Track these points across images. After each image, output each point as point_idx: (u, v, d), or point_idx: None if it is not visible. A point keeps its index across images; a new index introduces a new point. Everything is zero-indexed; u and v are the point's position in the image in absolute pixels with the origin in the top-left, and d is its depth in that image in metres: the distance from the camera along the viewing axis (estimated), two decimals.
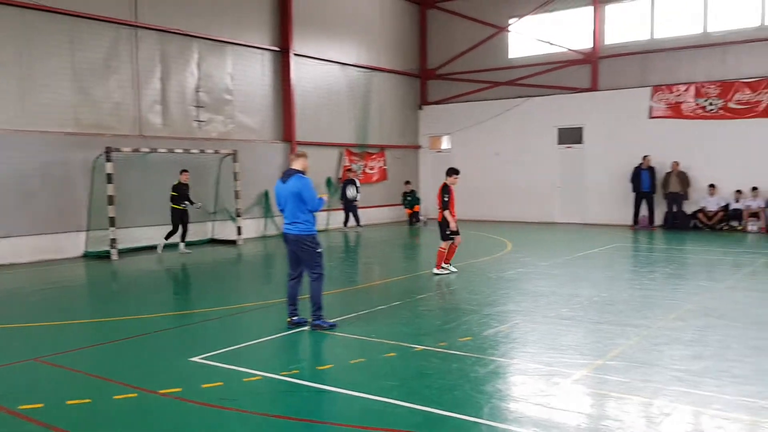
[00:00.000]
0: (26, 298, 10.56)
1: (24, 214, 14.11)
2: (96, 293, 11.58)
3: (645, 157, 19.51)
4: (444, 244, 11.60)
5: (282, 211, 7.97)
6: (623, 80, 20.86)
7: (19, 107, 14.12)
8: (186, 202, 15.29)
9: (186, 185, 15.40)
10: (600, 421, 4.91)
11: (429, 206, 25.02)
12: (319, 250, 7.83)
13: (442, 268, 11.66)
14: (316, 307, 7.85)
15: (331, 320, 7.99)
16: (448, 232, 11.53)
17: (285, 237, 7.96)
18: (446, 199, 11.44)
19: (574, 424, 4.85)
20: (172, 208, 15.27)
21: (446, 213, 11.45)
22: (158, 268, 13.65)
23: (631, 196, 20.00)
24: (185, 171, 15.51)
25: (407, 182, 23.65)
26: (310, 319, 7.94)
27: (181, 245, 15.55)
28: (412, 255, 16.29)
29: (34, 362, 6.76)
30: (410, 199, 23.16)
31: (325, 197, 8.17)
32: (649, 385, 5.64)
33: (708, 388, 5.55)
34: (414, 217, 22.95)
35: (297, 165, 7.88)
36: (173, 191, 15.25)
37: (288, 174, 7.82)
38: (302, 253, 7.82)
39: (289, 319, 8.04)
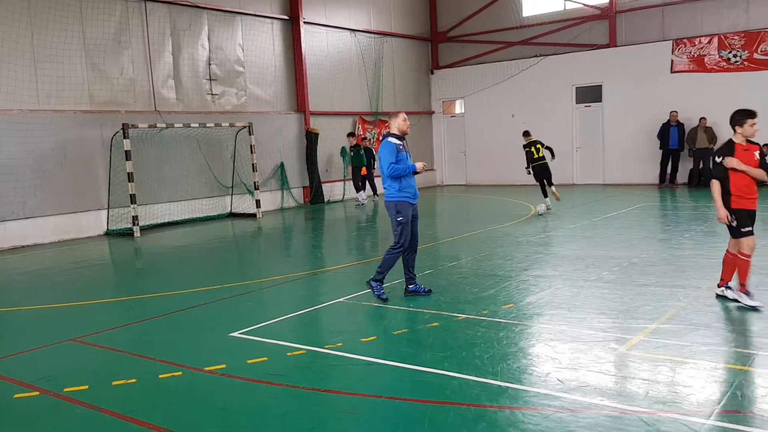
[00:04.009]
0: (55, 278, 10.43)
1: (44, 194, 13.98)
2: (123, 271, 11.46)
3: (672, 112, 19.02)
4: (745, 248, 6.53)
5: None
6: (642, 35, 20.33)
7: (32, 87, 13.87)
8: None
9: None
10: (670, 388, 4.69)
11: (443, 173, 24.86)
12: (399, 219, 7.46)
13: (726, 288, 6.79)
14: (380, 269, 7.63)
15: (385, 296, 7.64)
16: (733, 223, 6.48)
17: None
18: (717, 159, 6.54)
19: (641, 392, 4.64)
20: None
21: (714, 187, 6.58)
22: (183, 243, 13.51)
23: (656, 154, 19.62)
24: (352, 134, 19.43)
25: (350, 134, 19.80)
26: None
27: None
28: (433, 222, 16.06)
29: (73, 343, 6.63)
30: (353, 155, 18.94)
31: (420, 165, 7.45)
32: (712, 348, 5.42)
33: None
34: (360, 180, 18.88)
35: (389, 127, 7.64)
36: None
37: (383, 137, 7.62)
38: (390, 218, 7.59)
39: (405, 288, 7.85)
